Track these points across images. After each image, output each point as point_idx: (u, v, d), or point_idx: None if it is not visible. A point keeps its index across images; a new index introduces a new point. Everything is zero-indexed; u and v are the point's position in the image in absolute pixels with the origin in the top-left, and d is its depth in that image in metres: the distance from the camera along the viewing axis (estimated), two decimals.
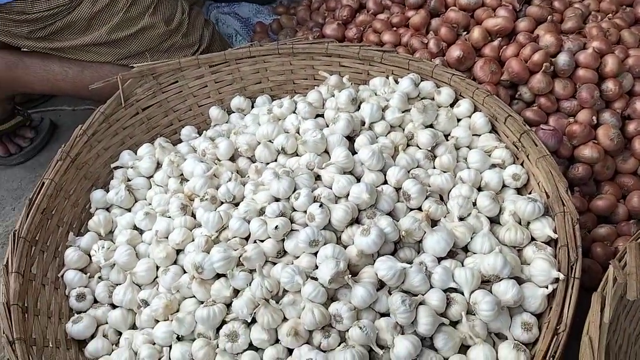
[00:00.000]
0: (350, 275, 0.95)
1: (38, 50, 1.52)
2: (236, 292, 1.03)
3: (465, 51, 1.36)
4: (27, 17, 1.42)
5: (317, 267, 1.00)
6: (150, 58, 1.46)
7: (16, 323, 0.99)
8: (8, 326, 0.98)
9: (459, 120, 1.27)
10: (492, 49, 1.40)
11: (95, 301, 1.16)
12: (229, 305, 1.02)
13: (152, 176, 1.32)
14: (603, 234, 1.23)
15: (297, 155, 1.24)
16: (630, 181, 1.32)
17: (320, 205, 1.04)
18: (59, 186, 1.22)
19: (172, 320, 1.02)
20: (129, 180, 1.32)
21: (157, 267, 1.13)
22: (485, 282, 0.98)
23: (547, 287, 0.96)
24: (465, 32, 1.47)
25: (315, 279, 0.97)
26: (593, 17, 1.50)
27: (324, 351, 0.93)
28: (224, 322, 1.01)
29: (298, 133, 1.27)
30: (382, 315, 0.97)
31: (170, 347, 1.02)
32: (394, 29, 1.57)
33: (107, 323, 1.12)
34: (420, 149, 1.21)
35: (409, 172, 1.15)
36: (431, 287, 0.97)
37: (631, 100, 1.35)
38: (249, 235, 1.08)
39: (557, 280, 0.95)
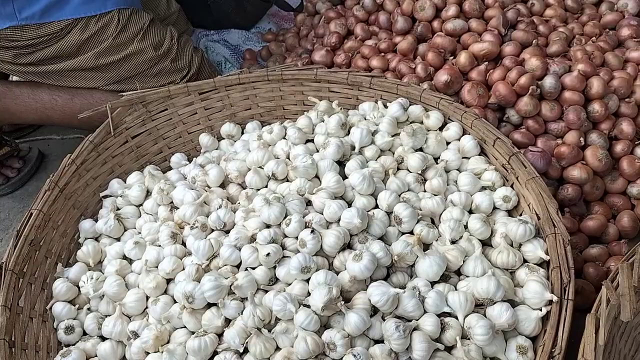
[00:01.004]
0: (343, 302, 0.94)
1: (22, 74, 1.50)
2: (228, 322, 1.01)
3: (452, 75, 1.38)
4: (15, 44, 1.42)
5: (309, 294, 0.98)
6: (139, 82, 1.46)
7: (3, 359, 0.97)
8: None
9: (448, 143, 1.27)
10: (479, 72, 1.42)
11: (85, 333, 1.13)
12: (220, 335, 1.01)
13: (141, 204, 1.31)
14: (595, 254, 1.24)
15: (288, 181, 1.23)
16: (619, 201, 1.33)
17: (312, 231, 1.03)
18: (47, 216, 1.20)
19: (162, 352, 1.00)
20: (118, 209, 1.31)
21: (147, 297, 1.12)
22: (479, 306, 0.97)
23: (540, 310, 0.95)
24: (452, 57, 1.49)
25: (308, 306, 0.96)
26: (577, 41, 1.52)
27: None
28: (215, 353, 0.99)
29: (288, 159, 1.27)
30: (376, 342, 0.95)
31: None
32: (382, 54, 1.59)
33: (96, 356, 1.09)
34: (410, 172, 1.22)
35: (399, 195, 1.15)
36: (425, 312, 0.96)
37: (617, 121, 1.37)
38: (239, 263, 1.07)
39: (550, 302, 0.94)
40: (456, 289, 1.01)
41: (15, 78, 1.84)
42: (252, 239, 1.09)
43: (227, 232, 1.15)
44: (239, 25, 2.06)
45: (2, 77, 1.73)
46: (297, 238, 1.06)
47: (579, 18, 1.65)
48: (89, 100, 1.53)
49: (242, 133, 1.49)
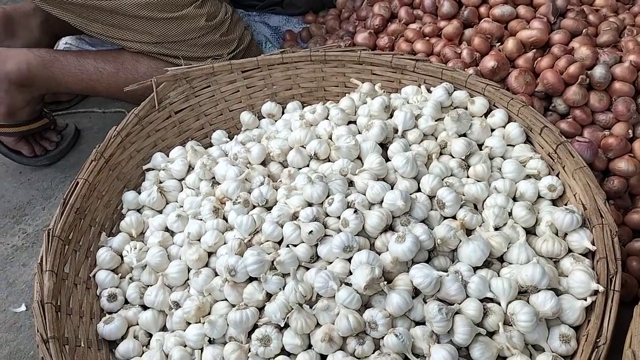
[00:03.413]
0: (385, 282, 0.94)
1: (66, 5, 1.47)
2: (268, 296, 1.02)
3: (499, 62, 1.35)
4: None
5: (350, 273, 0.99)
6: (186, 50, 1.44)
7: (50, 322, 0.99)
8: (42, 325, 0.98)
9: (492, 130, 1.26)
10: (526, 60, 1.39)
11: (126, 302, 1.16)
12: (261, 309, 1.02)
13: (183, 179, 1.33)
14: (639, 248, 1.21)
15: (330, 161, 1.23)
16: None
17: (355, 211, 1.03)
18: (92, 186, 1.22)
19: (204, 323, 1.01)
20: (160, 182, 1.33)
21: (189, 269, 1.13)
22: (522, 293, 0.97)
23: (585, 300, 0.94)
24: (498, 43, 1.46)
25: (350, 284, 0.96)
26: (628, 31, 1.48)
27: (359, 358, 0.93)
28: (255, 326, 1.01)
29: (330, 139, 1.27)
30: (417, 323, 0.96)
31: (202, 349, 1.01)
32: (426, 38, 1.57)
33: (137, 324, 1.12)
34: (453, 157, 1.21)
35: (442, 180, 1.14)
36: (467, 296, 0.96)
37: None
38: (281, 240, 1.08)
39: (596, 292, 0.93)
40: (499, 275, 1.00)
41: (62, 45, 1.87)
42: (295, 216, 1.10)
43: (269, 209, 1.15)
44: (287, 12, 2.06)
45: (48, 47, 1.76)
46: (339, 217, 1.06)
47: (631, 8, 1.60)
48: (134, 74, 1.54)
49: (283, 113, 1.50)
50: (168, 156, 1.39)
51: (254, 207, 1.18)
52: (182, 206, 1.27)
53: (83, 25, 1.52)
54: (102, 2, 1.46)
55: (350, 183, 1.15)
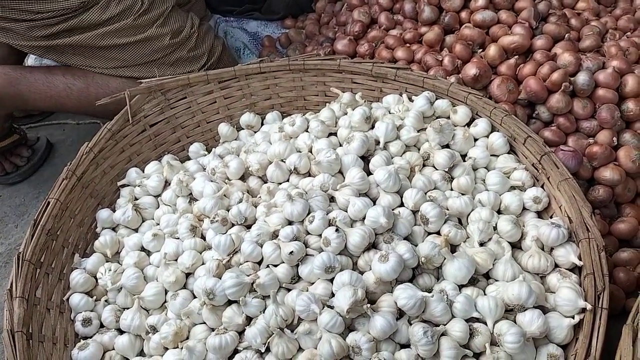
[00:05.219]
0: (369, 305, 0.91)
1: (33, 49, 1.46)
2: (249, 320, 0.99)
3: (481, 69, 1.33)
4: (28, 16, 1.38)
5: (333, 294, 0.96)
6: (156, 71, 1.43)
7: (20, 352, 0.95)
8: (12, 355, 0.94)
9: (475, 140, 1.23)
10: (509, 67, 1.37)
11: (102, 326, 1.12)
12: (241, 333, 0.99)
13: (159, 195, 1.29)
14: (625, 259, 1.20)
15: (310, 175, 1.20)
16: None
17: (337, 230, 1.00)
18: (64, 206, 1.18)
19: (182, 348, 0.98)
20: (136, 199, 1.28)
21: (166, 291, 1.09)
22: (509, 311, 0.95)
23: (573, 318, 0.92)
24: (480, 50, 1.44)
25: (332, 307, 0.93)
26: (611, 35, 1.47)
27: None
28: (236, 351, 0.97)
29: (310, 152, 1.23)
30: (402, 346, 0.93)
31: None
32: (407, 45, 1.54)
33: (114, 349, 1.07)
34: (436, 169, 1.18)
35: (426, 194, 1.11)
36: (453, 316, 0.93)
37: None
38: (261, 260, 1.04)
39: (583, 310, 0.91)
40: (485, 293, 0.98)
41: (29, 62, 1.82)
42: (274, 235, 1.06)
43: (248, 227, 1.12)
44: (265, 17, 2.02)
45: (16, 63, 1.70)
46: (320, 236, 1.03)
47: (612, 11, 1.59)
48: (105, 89, 1.50)
49: (262, 124, 1.46)
50: (143, 171, 1.34)
51: (233, 225, 1.14)
52: (158, 224, 1.23)
53: (50, 56, 1.49)
54: (60, 40, 1.44)
55: (332, 199, 1.12)
